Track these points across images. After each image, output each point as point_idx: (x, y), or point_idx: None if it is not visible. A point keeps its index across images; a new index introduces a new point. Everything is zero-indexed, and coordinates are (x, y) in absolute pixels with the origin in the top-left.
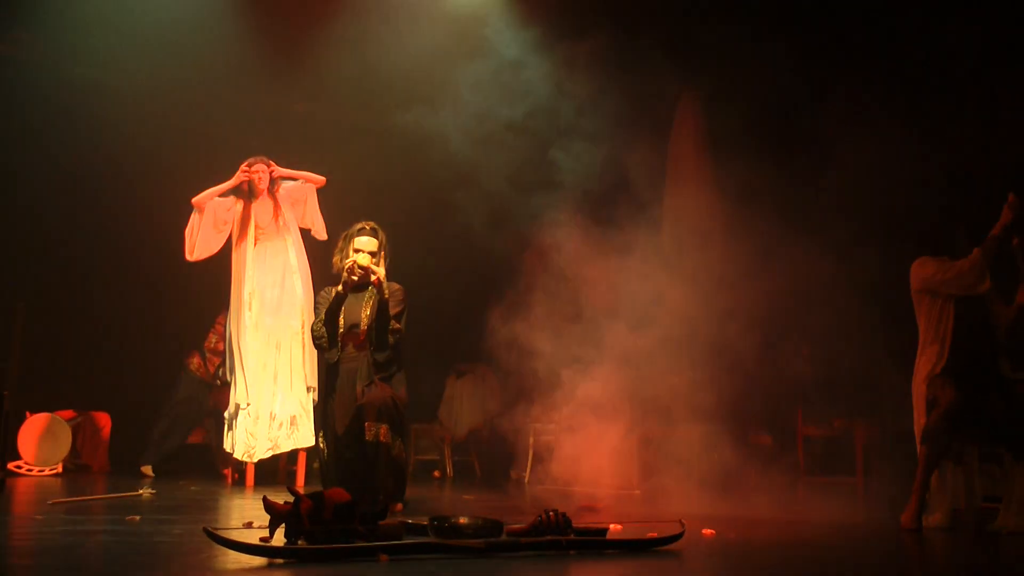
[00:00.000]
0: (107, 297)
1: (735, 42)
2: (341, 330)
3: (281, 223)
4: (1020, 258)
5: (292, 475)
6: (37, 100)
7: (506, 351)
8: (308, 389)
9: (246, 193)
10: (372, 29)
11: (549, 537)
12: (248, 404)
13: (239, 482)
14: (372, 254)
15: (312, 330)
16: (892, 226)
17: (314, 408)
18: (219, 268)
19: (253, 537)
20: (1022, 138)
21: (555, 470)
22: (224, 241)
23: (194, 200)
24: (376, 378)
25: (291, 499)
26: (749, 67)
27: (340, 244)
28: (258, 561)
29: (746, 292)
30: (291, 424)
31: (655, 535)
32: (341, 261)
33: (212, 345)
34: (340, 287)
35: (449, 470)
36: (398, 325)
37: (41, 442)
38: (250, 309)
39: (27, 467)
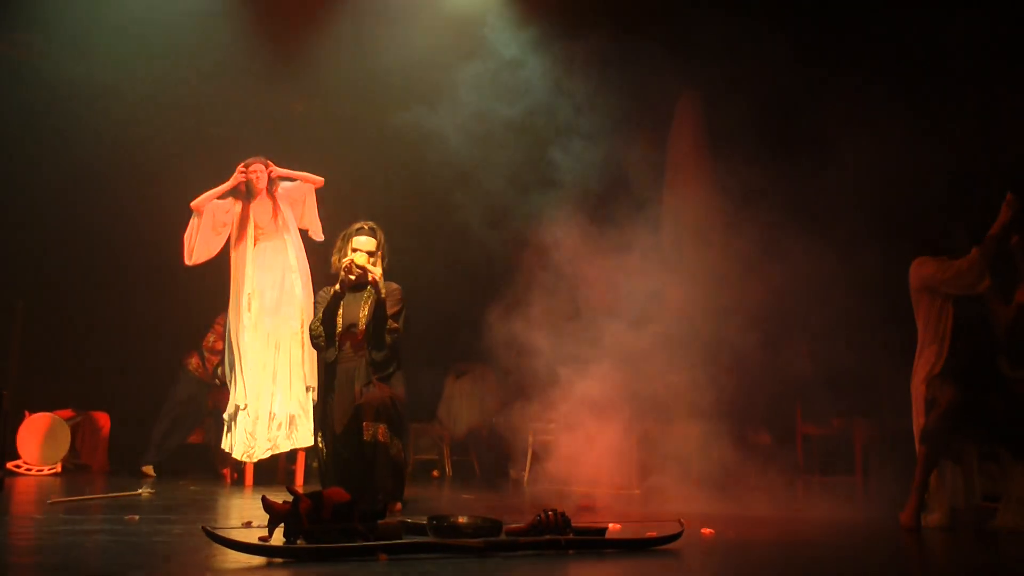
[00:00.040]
0: (107, 297)
1: (735, 41)
2: (339, 329)
3: (280, 222)
4: (1019, 257)
5: (291, 475)
6: (37, 100)
7: (505, 350)
8: (307, 389)
9: (244, 194)
10: (371, 29)
11: (548, 537)
12: (246, 405)
13: (238, 482)
14: (370, 253)
15: (310, 329)
16: (892, 225)
17: (313, 408)
18: (219, 268)
19: (252, 537)
20: (1022, 138)
21: (554, 469)
22: (223, 243)
23: (193, 204)
24: (374, 378)
25: (290, 499)
26: (749, 66)
27: (339, 244)
28: (257, 560)
29: (745, 291)
30: (290, 424)
31: (654, 534)
32: (340, 261)
33: (210, 344)
34: (337, 286)
35: (448, 469)
36: (396, 324)
37: (40, 441)
38: (249, 309)
39: (26, 466)
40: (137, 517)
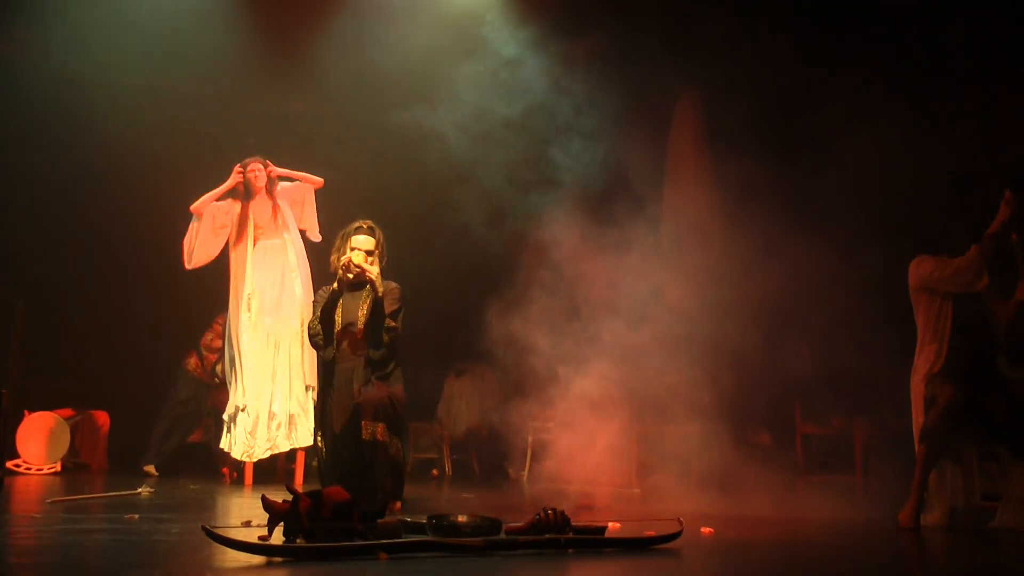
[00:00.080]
0: (106, 296)
1: (735, 40)
2: (337, 328)
3: (280, 222)
4: (1019, 255)
5: (291, 474)
6: (36, 99)
7: (505, 349)
8: (307, 388)
9: (243, 194)
10: (370, 28)
11: (548, 536)
12: (245, 406)
13: (238, 481)
14: (369, 253)
15: (308, 328)
16: (891, 225)
17: (313, 407)
18: (219, 268)
19: (252, 536)
20: (1022, 138)
21: (553, 468)
22: (223, 244)
23: (192, 207)
24: (373, 377)
25: (290, 498)
26: (749, 65)
27: (338, 243)
28: (257, 560)
29: (745, 290)
30: (289, 424)
31: (653, 534)
32: (338, 260)
33: (208, 342)
34: (335, 284)
35: (448, 469)
36: (394, 323)
37: (40, 441)
38: (249, 309)
39: (26, 465)
40: (137, 516)
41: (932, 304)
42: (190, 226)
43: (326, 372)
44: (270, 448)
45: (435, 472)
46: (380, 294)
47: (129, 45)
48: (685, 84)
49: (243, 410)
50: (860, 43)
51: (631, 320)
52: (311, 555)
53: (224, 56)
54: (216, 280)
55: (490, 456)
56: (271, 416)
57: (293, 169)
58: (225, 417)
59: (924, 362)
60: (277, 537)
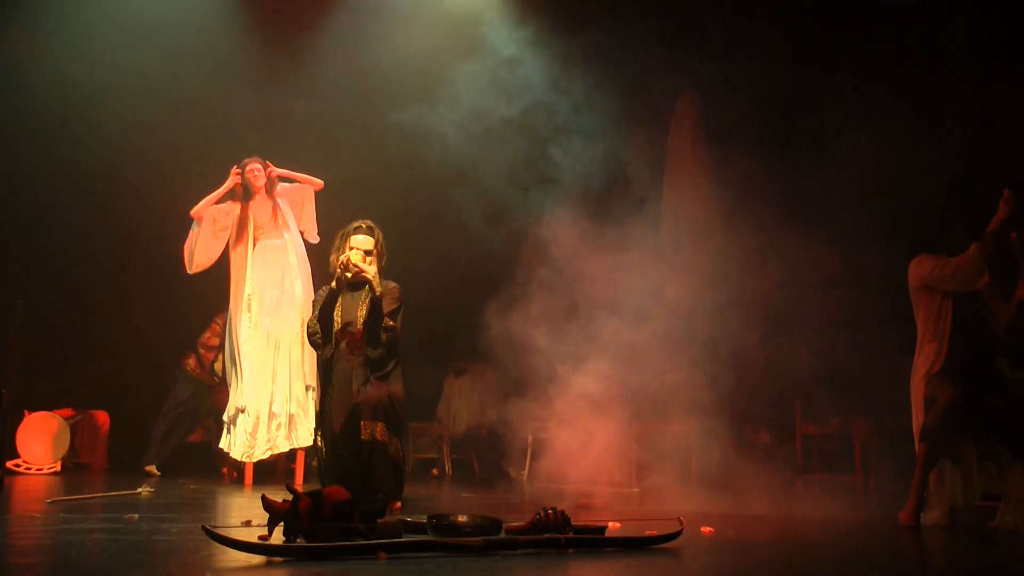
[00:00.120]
0: (106, 296)
1: (734, 39)
2: (337, 328)
3: (280, 221)
4: (1019, 253)
5: (291, 473)
6: (37, 98)
7: (504, 348)
8: (307, 388)
9: (241, 195)
10: (369, 27)
11: (548, 535)
12: (245, 407)
13: (238, 481)
14: (368, 252)
15: (307, 327)
16: (891, 224)
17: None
18: (219, 268)
19: (252, 535)
20: (1022, 137)
21: (553, 468)
22: (223, 246)
23: (192, 212)
24: (372, 377)
25: (290, 497)
26: (748, 64)
27: (337, 242)
28: (257, 559)
29: (745, 289)
30: (289, 424)
31: (654, 533)
32: (338, 259)
33: (205, 340)
34: (333, 283)
35: (448, 468)
36: (392, 323)
37: (40, 440)
38: (249, 310)
39: (26, 465)
40: (136, 516)
41: (932, 303)
42: (190, 231)
43: (325, 372)
44: (270, 448)
45: (435, 471)
46: (378, 294)
47: (129, 45)
48: (684, 83)
49: (243, 411)
50: (860, 42)
51: (631, 319)
52: (311, 555)
53: (223, 55)
54: (216, 280)
55: (490, 456)
56: (271, 416)
57: (293, 169)
58: (225, 418)
59: (924, 361)
60: (277, 537)
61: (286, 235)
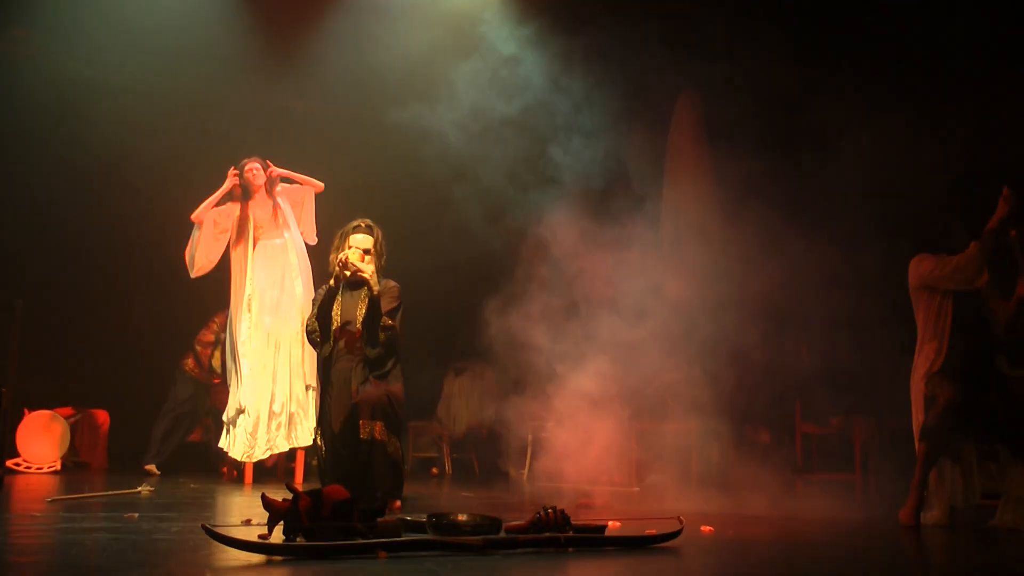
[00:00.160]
0: (106, 295)
1: (735, 38)
2: (336, 326)
3: (280, 220)
4: (1018, 251)
5: (291, 472)
6: (36, 98)
7: (504, 348)
8: (307, 388)
9: (240, 195)
10: (369, 26)
11: (548, 534)
12: (245, 408)
13: (238, 480)
14: (367, 251)
15: (306, 325)
16: (892, 223)
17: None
18: (220, 267)
19: (252, 534)
20: (1022, 137)
21: (553, 467)
22: (224, 248)
23: (192, 216)
24: (371, 376)
25: (290, 496)
26: (749, 63)
27: (336, 242)
28: (256, 558)
29: (745, 288)
30: (289, 424)
31: (653, 532)
32: (337, 258)
33: (202, 337)
34: (332, 281)
35: (448, 467)
36: (391, 322)
37: (40, 439)
38: (249, 310)
39: (26, 464)
40: (136, 515)
41: (932, 302)
42: (191, 235)
43: (325, 371)
44: (269, 448)
45: (434, 470)
46: (376, 293)
47: (128, 44)
48: (685, 82)
49: (243, 411)
50: (860, 42)
51: (631, 318)
52: (311, 554)
53: (223, 55)
54: (216, 280)
55: (490, 455)
56: (271, 416)
57: (293, 169)
58: (225, 418)
59: (924, 361)
60: (277, 536)
61: (286, 234)
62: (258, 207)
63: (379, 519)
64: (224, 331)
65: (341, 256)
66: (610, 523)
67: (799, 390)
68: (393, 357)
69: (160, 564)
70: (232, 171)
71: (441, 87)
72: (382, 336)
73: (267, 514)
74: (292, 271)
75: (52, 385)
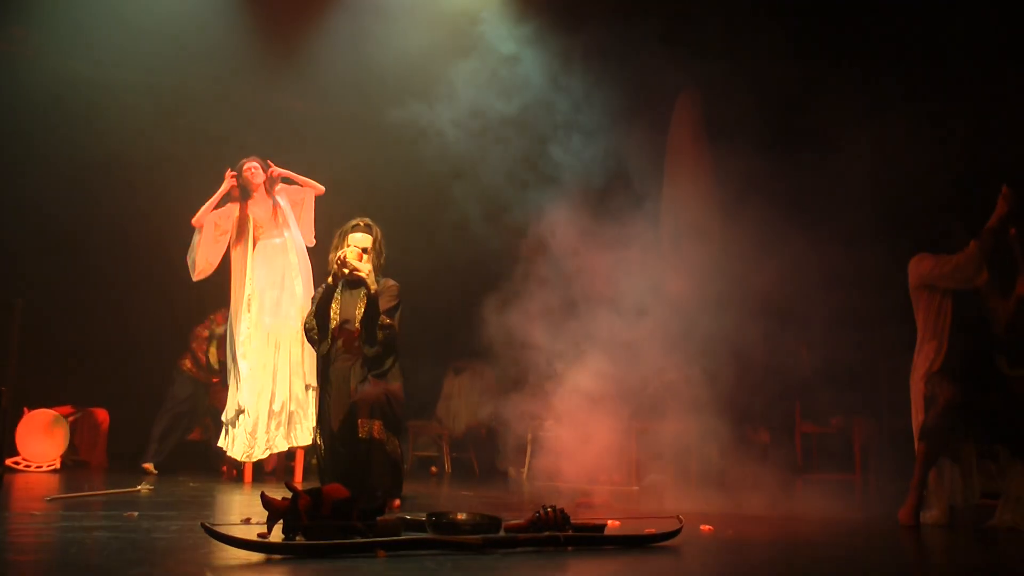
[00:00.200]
0: (106, 293)
1: (735, 36)
2: (335, 325)
3: (280, 219)
4: (1018, 249)
5: (290, 471)
6: (35, 97)
7: (504, 347)
8: (307, 388)
9: (239, 195)
10: (368, 25)
11: (547, 533)
12: (245, 408)
13: (237, 479)
14: (365, 250)
15: (304, 323)
16: (892, 222)
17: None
18: (220, 266)
19: (251, 533)
20: (1022, 136)
21: (553, 466)
22: (224, 249)
23: (193, 221)
24: (370, 375)
25: (289, 495)
26: (749, 61)
27: (335, 241)
28: (256, 557)
29: (745, 287)
30: (289, 423)
31: (653, 531)
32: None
33: (197, 334)
34: (330, 279)
35: (448, 467)
36: (389, 321)
37: (39, 438)
38: (249, 310)
39: (25, 463)
40: (136, 514)
41: (932, 302)
42: (192, 240)
43: (324, 370)
44: (268, 448)
45: (433, 469)
46: (373, 292)
47: (127, 43)
48: (685, 80)
49: (243, 412)
50: (861, 41)
51: (631, 317)
52: (310, 553)
53: (222, 54)
54: (216, 279)
55: (489, 454)
56: (271, 416)
57: (293, 169)
58: (224, 419)
59: (924, 360)
60: (276, 535)
61: (286, 234)
62: (257, 206)
63: (378, 518)
64: (219, 326)
65: (339, 254)
66: (609, 522)
67: (799, 389)
68: (392, 356)
69: (159, 563)
70: (229, 173)
71: (440, 86)
72: (380, 335)
73: (267, 513)
74: (292, 270)
75: (52, 384)
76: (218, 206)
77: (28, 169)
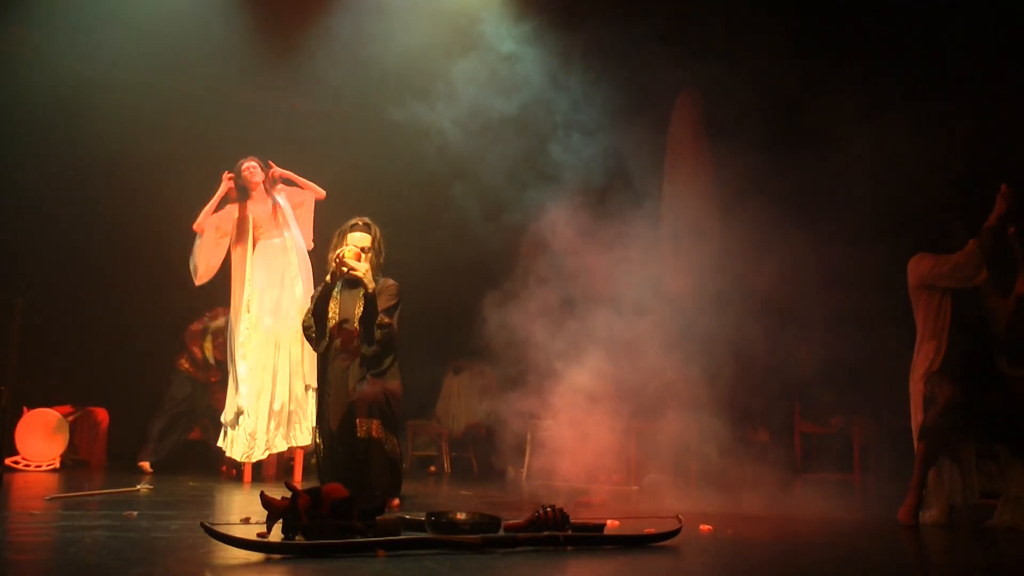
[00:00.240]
0: (105, 292)
1: (735, 34)
2: (334, 324)
3: (280, 219)
4: (1017, 248)
5: (290, 471)
6: (35, 96)
7: (504, 346)
8: (307, 388)
9: (237, 196)
10: (368, 24)
11: (546, 533)
12: (243, 410)
13: (237, 478)
14: (364, 250)
15: (302, 321)
16: (892, 222)
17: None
18: (220, 267)
19: (251, 533)
20: (1022, 136)
21: (552, 466)
22: (225, 251)
23: (195, 226)
24: (368, 374)
25: (288, 495)
26: (749, 60)
27: (335, 240)
28: (255, 557)
29: (745, 286)
30: (288, 424)
31: (652, 531)
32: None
33: (191, 330)
34: (328, 278)
35: (447, 466)
36: (388, 320)
37: (39, 437)
38: (248, 311)
39: (25, 462)
40: (136, 513)
41: (932, 301)
42: (194, 245)
43: (322, 370)
44: (268, 448)
45: (432, 468)
46: (370, 291)
47: (127, 43)
48: (685, 79)
49: (242, 413)
50: (861, 40)
51: (630, 316)
52: (310, 552)
53: (222, 54)
54: (216, 278)
55: (489, 454)
56: (271, 416)
57: (293, 169)
58: (224, 420)
59: (923, 360)
60: (276, 534)
61: (286, 234)
62: (257, 206)
63: (378, 518)
64: (213, 320)
65: (337, 253)
66: (609, 522)
67: (799, 389)
68: (391, 355)
69: (159, 562)
70: (226, 175)
71: (440, 85)
72: (378, 334)
73: (266, 512)
74: (292, 270)
75: (51, 383)
76: (217, 209)
77: (28, 169)
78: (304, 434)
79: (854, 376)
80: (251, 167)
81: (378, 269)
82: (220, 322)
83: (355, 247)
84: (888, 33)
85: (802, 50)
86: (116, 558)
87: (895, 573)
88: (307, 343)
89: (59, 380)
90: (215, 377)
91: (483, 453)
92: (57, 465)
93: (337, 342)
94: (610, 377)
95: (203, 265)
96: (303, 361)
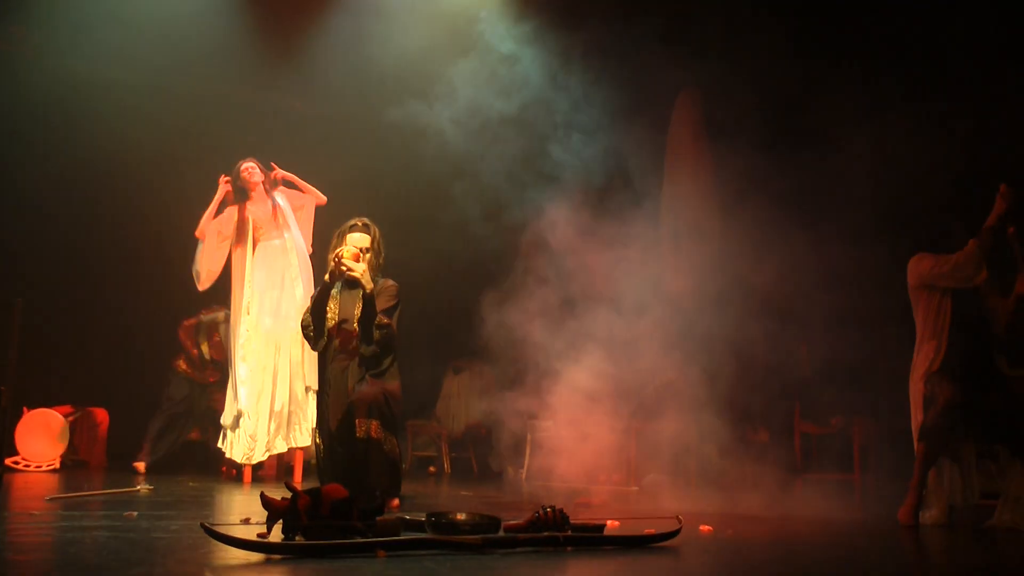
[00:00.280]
0: (105, 293)
1: (735, 34)
2: (332, 324)
3: (280, 220)
4: (1017, 248)
5: (289, 471)
6: (35, 96)
7: (503, 346)
8: (307, 389)
9: (235, 199)
10: (367, 24)
11: (546, 533)
12: (242, 411)
13: (236, 478)
14: (364, 250)
15: (301, 321)
16: (892, 222)
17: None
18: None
19: (250, 533)
20: (1022, 136)
21: (552, 466)
22: (227, 254)
23: (196, 232)
24: (367, 375)
25: (288, 495)
26: (749, 60)
27: (334, 241)
28: (255, 557)
29: (744, 286)
30: (288, 425)
31: (652, 531)
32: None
33: (185, 327)
34: (327, 277)
35: (447, 466)
36: (387, 320)
37: (39, 437)
38: (248, 313)
39: (24, 462)
40: (135, 513)
41: (931, 301)
42: (196, 250)
43: (322, 370)
44: (268, 450)
45: (432, 468)
46: (368, 291)
47: (127, 43)
48: (685, 79)
49: (242, 415)
50: (861, 40)
51: (630, 316)
52: (310, 552)
53: (222, 54)
54: (217, 279)
55: (489, 454)
56: (271, 416)
57: (294, 170)
58: (224, 423)
59: (923, 360)
60: (276, 534)
61: (287, 235)
62: (256, 207)
63: (378, 518)
64: (207, 315)
65: (335, 253)
66: (609, 522)
67: (799, 389)
68: (390, 356)
69: (159, 563)
70: (223, 179)
71: (439, 85)
72: (377, 335)
73: (266, 513)
74: (292, 272)
75: (51, 383)
76: (217, 212)
77: (28, 169)
78: (304, 435)
79: (854, 376)
80: (250, 168)
81: (377, 270)
82: (214, 316)
83: (354, 247)
84: (888, 33)
85: (802, 50)
86: (116, 558)
87: (895, 573)
88: (307, 344)
89: (59, 380)
90: (213, 377)
91: (483, 453)
92: (57, 465)
93: (336, 342)
94: (610, 377)
95: (205, 271)
96: (303, 362)
